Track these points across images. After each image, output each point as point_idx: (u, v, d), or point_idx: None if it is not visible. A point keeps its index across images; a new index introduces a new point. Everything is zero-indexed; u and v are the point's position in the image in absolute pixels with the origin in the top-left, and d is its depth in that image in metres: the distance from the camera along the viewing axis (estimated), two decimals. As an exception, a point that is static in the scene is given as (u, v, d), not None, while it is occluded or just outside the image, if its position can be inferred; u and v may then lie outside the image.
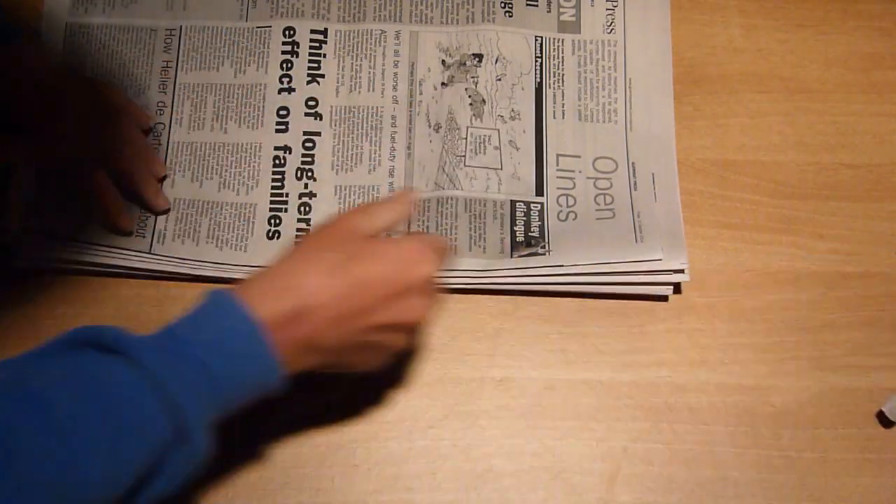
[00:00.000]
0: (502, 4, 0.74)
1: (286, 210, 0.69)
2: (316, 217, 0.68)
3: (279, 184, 0.69)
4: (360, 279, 0.51)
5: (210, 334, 0.47)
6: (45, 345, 0.47)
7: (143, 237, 0.67)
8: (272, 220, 0.68)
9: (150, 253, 0.66)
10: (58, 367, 0.45)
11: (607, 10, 0.75)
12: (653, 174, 0.69)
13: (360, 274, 0.51)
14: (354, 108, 0.72)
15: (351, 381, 0.63)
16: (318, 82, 0.72)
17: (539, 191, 0.69)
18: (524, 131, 0.71)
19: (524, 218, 0.68)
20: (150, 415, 0.45)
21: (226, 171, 0.69)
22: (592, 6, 0.75)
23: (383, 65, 0.73)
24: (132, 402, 0.45)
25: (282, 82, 0.71)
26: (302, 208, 0.69)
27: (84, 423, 0.43)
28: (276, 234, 0.68)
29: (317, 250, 0.52)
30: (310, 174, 0.70)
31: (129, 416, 0.44)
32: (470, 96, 0.71)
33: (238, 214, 0.68)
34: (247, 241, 0.68)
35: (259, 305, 0.48)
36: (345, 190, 0.69)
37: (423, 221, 0.68)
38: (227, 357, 0.47)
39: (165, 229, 0.67)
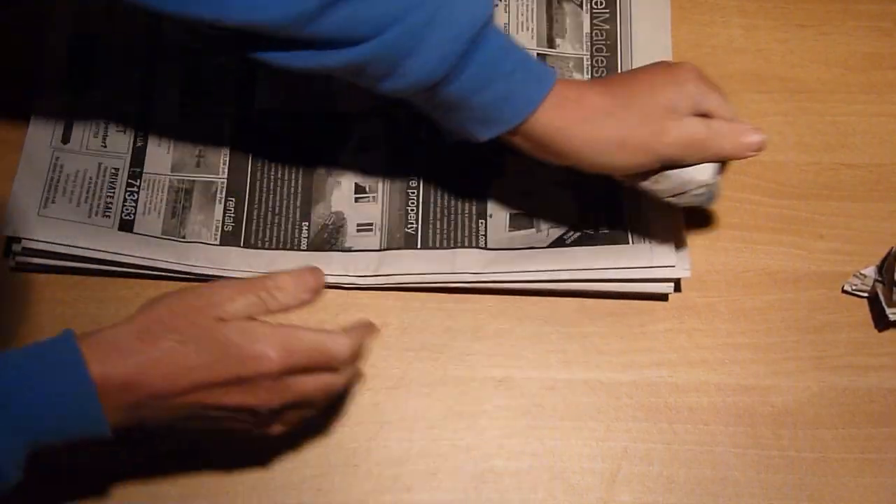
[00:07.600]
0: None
1: None
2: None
3: None
4: (188, 365, 0.50)
5: (43, 390, 0.48)
6: None
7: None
8: None
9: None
10: None
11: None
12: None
13: (188, 363, 0.50)
14: None
15: (350, 382, 0.63)
16: None
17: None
18: None
19: None
20: None
21: None
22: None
23: None
24: None
25: None
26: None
27: None
28: None
29: (159, 324, 0.51)
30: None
31: None
32: None
33: None
34: None
35: (96, 366, 0.49)
36: None
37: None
38: (54, 410, 0.49)
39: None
